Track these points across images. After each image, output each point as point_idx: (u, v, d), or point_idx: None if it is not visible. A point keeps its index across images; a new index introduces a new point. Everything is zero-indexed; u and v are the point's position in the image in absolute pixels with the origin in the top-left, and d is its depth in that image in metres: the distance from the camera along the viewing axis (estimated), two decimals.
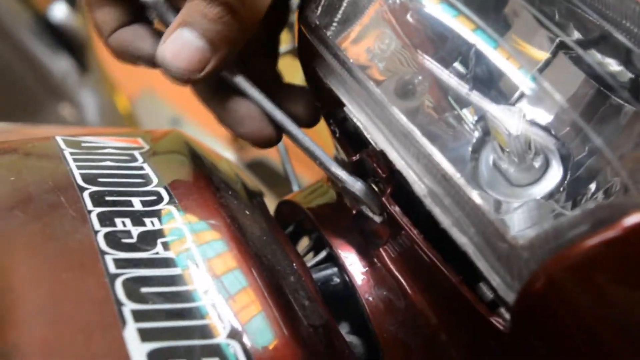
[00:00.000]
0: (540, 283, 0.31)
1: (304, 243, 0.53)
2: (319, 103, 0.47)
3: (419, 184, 0.36)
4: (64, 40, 1.73)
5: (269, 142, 0.45)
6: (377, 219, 0.43)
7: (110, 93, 1.85)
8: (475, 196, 0.34)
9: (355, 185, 0.42)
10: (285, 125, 0.44)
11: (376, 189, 0.42)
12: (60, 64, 1.73)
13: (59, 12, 1.72)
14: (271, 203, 0.53)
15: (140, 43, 0.45)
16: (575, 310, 0.32)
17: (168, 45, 0.41)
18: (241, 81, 0.44)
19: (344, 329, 0.46)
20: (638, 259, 0.29)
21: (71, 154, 0.45)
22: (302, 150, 0.44)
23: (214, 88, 0.46)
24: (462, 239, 0.34)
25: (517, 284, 0.32)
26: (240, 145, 2.03)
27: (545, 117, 0.43)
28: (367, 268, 0.43)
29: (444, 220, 0.35)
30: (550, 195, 0.41)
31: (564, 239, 0.30)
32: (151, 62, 0.44)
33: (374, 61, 0.42)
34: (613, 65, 0.43)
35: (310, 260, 0.46)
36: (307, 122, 0.47)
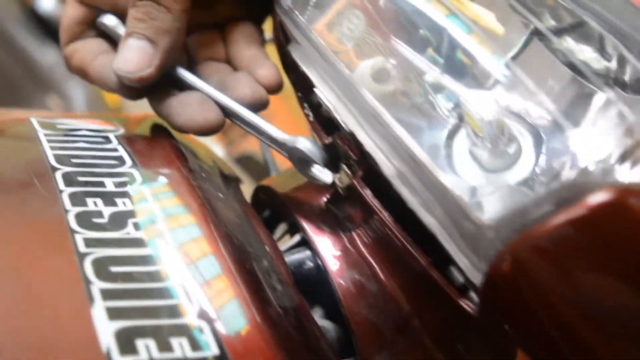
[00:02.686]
0: (506, 263, 0.31)
1: (282, 230, 0.53)
2: (294, 87, 0.47)
3: (388, 165, 0.36)
4: (52, 31, 1.72)
5: (211, 127, 0.46)
6: (328, 176, 0.44)
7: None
8: (441, 176, 0.34)
9: (297, 142, 0.43)
10: (228, 106, 0.45)
11: (349, 172, 0.42)
12: (48, 56, 1.72)
13: (47, 4, 1.71)
14: None
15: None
16: (541, 291, 0.32)
17: (119, 57, 0.45)
18: (181, 71, 0.47)
19: (317, 313, 0.46)
20: (601, 237, 0.29)
21: (45, 135, 0.45)
22: (246, 128, 0.46)
23: (160, 92, 0.47)
24: (429, 219, 0.34)
25: (484, 264, 0.33)
26: (229, 140, 2.03)
27: (518, 102, 0.43)
28: (339, 252, 0.43)
29: (412, 201, 0.35)
30: (524, 182, 0.41)
31: (529, 218, 0.30)
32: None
33: (342, 41, 0.42)
34: (587, 52, 0.43)
35: (285, 245, 0.46)
36: (256, 105, 0.47)
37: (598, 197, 0.29)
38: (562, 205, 0.30)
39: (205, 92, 0.46)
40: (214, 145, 2.02)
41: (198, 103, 0.45)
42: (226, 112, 0.46)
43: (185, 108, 0.45)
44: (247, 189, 0.53)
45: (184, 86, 0.47)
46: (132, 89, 0.47)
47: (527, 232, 0.30)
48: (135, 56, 0.44)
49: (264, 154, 0.65)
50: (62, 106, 1.70)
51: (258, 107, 0.46)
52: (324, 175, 0.43)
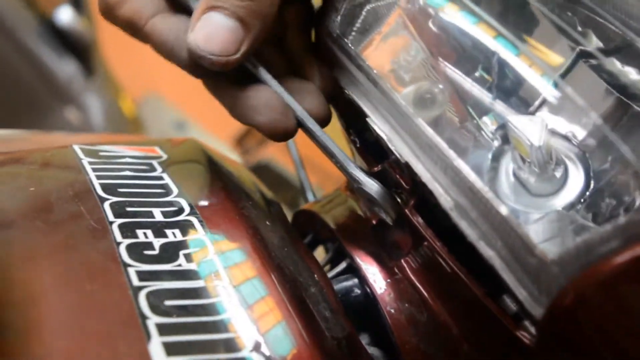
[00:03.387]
0: (570, 298, 0.31)
1: (319, 252, 0.53)
2: (338, 113, 0.46)
3: (445, 197, 0.36)
4: (70, 43, 1.73)
5: (286, 135, 0.43)
6: (391, 222, 0.43)
7: (115, 96, 1.85)
8: (503, 209, 0.33)
9: (373, 187, 0.41)
10: (304, 120, 0.43)
11: (399, 200, 0.41)
12: (66, 68, 1.72)
13: (65, 16, 1.72)
14: None
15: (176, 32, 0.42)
16: (604, 326, 0.32)
17: (198, 32, 0.40)
18: (263, 72, 0.43)
19: (364, 340, 0.45)
20: None
21: (90, 163, 0.45)
22: (318, 147, 0.43)
23: (229, 77, 0.44)
24: (489, 253, 0.34)
25: (545, 298, 0.32)
26: (245, 149, 2.03)
27: (566, 125, 0.42)
28: (388, 279, 0.43)
29: (471, 234, 0.34)
30: (571, 206, 0.41)
31: (595, 254, 0.30)
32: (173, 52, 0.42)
33: (399, 72, 0.41)
34: (633, 74, 0.43)
35: (331, 272, 0.46)
36: (321, 120, 0.44)
37: None
38: (630, 241, 0.29)
39: (278, 93, 0.43)
40: (230, 154, 2.02)
41: (282, 107, 0.42)
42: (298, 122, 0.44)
43: (266, 109, 0.42)
44: None
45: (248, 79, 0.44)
46: (202, 69, 0.42)
47: (594, 268, 0.30)
48: (222, 36, 0.40)
49: (298, 171, 0.65)
50: (80, 118, 1.71)
51: (321, 123, 0.44)
52: (388, 219, 0.43)
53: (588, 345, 0.33)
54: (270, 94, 0.42)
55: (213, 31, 0.40)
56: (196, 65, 0.41)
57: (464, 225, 0.35)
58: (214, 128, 1.95)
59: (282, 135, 0.43)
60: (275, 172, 1.74)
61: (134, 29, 0.42)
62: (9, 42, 1.61)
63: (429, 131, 0.37)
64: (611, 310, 0.31)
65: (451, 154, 0.35)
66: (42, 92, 1.71)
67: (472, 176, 0.34)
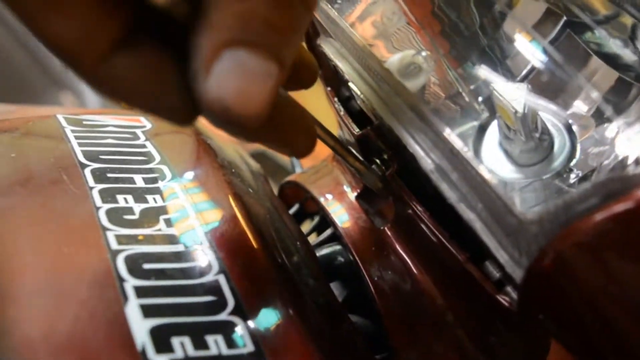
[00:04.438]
0: (549, 259, 0.31)
1: (306, 226, 0.53)
2: (323, 81, 0.46)
3: (426, 159, 0.35)
4: None
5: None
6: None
7: None
8: (483, 170, 0.33)
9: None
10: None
11: (382, 166, 0.41)
12: None
13: None
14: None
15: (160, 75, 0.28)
16: (584, 287, 0.32)
17: (223, 82, 0.25)
18: None
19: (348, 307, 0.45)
20: None
21: (72, 131, 0.44)
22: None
23: None
24: (469, 215, 0.34)
25: (525, 260, 0.32)
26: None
27: (551, 94, 0.42)
28: (372, 248, 0.43)
29: (451, 196, 0.34)
30: (557, 175, 0.41)
31: (574, 213, 0.30)
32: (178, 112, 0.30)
33: (379, 38, 0.41)
34: (619, 45, 0.43)
35: (315, 240, 0.46)
36: (300, 154, 0.36)
37: None
38: (608, 199, 0.29)
39: None
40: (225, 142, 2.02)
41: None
42: None
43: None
44: None
45: None
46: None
47: (572, 226, 0.30)
48: (261, 87, 0.26)
49: (292, 160, 0.64)
50: (76, 103, 1.71)
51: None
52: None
53: (568, 307, 0.33)
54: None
55: (249, 81, 0.26)
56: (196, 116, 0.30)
57: (444, 188, 0.34)
58: None
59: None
60: (271, 159, 1.74)
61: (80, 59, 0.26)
62: (2, 26, 1.61)
63: (412, 95, 0.37)
64: (590, 271, 0.31)
65: (432, 116, 0.35)
66: (37, 77, 1.71)
67: (452, 137, 0.34)
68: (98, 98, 1.76)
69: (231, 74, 0.26)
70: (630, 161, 0.35)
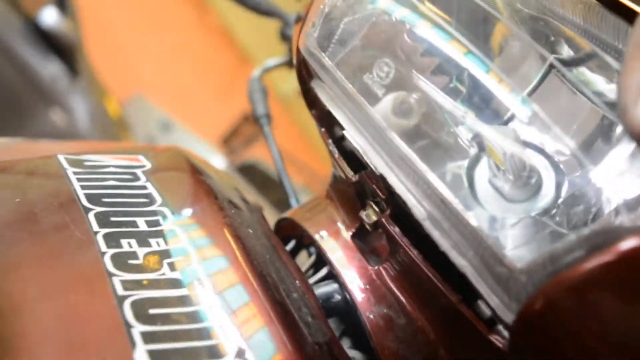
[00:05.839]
0: (539, 304, 0.32)
1: (302, 257, 0.54)
2: (318, 123, 0.47)
3: (419, 208, 0.37)
4: (54, 44, 1.72)
5: None
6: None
7: (100, 97, 1.85)
8: (473, 220, 0.35)
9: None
10: None
11: (376, 209, 0.43)
12: (50, 69, 1.72)
13: (49, 17, 1.71)
14: (263, 207, 0.53)
15: None
16: (572, 329, 0.33)
17: None
18: None
19: (345, 344, 0.46)
20: (631, 279, 0.31)
21: (74, 173, 0.45)
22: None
23: None
24: (461, 262, 0.35)
25: (515, 305, 0.34)
26: (231, 149, 2.04)
27: (538, 136, 0.44)
28: (367, 286, 0.44)
29: (443, 243, 0.36)
30: (545, 212, 0.42)
31: (561, 264, 0.31)
32: None
33: (373, 88, 0.43)
34: (602, 83, 0.44)
35: (312, 277, 0.47)
36: None
37: (628, 244, 0.30)
38: (593, 250, 0.31)
39: None
40: (216, 154, 2.03)
41: None
42: None
43: None
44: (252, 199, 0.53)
45: None
46: None
47: (560, 276, 0.31)
48: None
49: (279, 172, 0.65)
50: (65, 119, 1.71)
51: None
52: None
53: (557, 348, 0.34)
54: None
55: None
56: None
57: (436, 235, 0.36)
58: (198, 128, 1.95)
59: None
60: (262, 172, 1.74)
61: None
62: None
63: (402, 145, 0.38)
64: (577, 314, 0.32)
65: (423, 166, 0.37)
66: (27, 93, 1.71)
67: (442, 188, 0.35)
68: (87, 113, 1.76)
69: None
70: (612, 206, 0.37)
